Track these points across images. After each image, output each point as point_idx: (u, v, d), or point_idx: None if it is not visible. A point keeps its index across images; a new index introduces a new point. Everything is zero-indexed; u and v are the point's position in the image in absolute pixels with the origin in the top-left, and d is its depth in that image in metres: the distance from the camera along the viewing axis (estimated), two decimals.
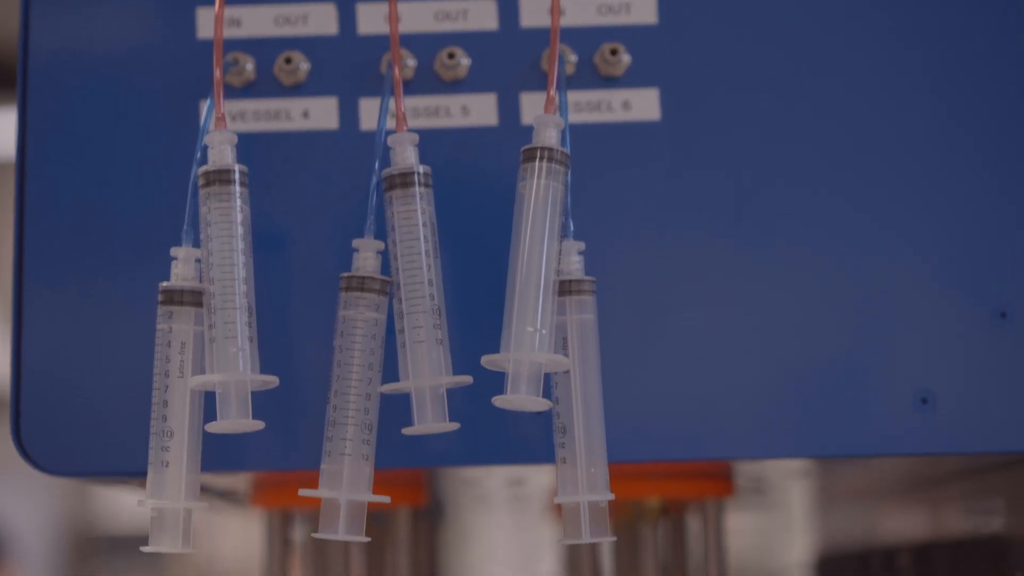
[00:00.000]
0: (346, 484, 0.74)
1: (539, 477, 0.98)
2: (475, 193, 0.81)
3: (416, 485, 0.97)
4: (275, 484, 0.96)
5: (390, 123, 0.78)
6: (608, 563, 1.21)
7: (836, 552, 1.29)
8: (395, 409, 0.77)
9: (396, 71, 0.77)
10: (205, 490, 0.98)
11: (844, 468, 1.10)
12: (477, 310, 0.79)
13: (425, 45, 0.82)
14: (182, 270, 0.77)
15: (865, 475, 1.16)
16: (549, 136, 0.75)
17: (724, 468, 0.96)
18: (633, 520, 0.98)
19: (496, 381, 0.74)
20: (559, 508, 0.77)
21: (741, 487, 1.02)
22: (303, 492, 0.75)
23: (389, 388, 0.75)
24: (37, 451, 0.81)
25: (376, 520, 1.11)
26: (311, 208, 0.81)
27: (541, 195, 0.74)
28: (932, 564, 0.99)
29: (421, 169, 0.75)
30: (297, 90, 0.82)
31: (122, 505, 4.93)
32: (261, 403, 0.76)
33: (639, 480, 0.94)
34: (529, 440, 0.81)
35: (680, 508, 1.17)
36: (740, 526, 1.13)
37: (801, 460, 0.89)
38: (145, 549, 0.76)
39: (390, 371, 0.76)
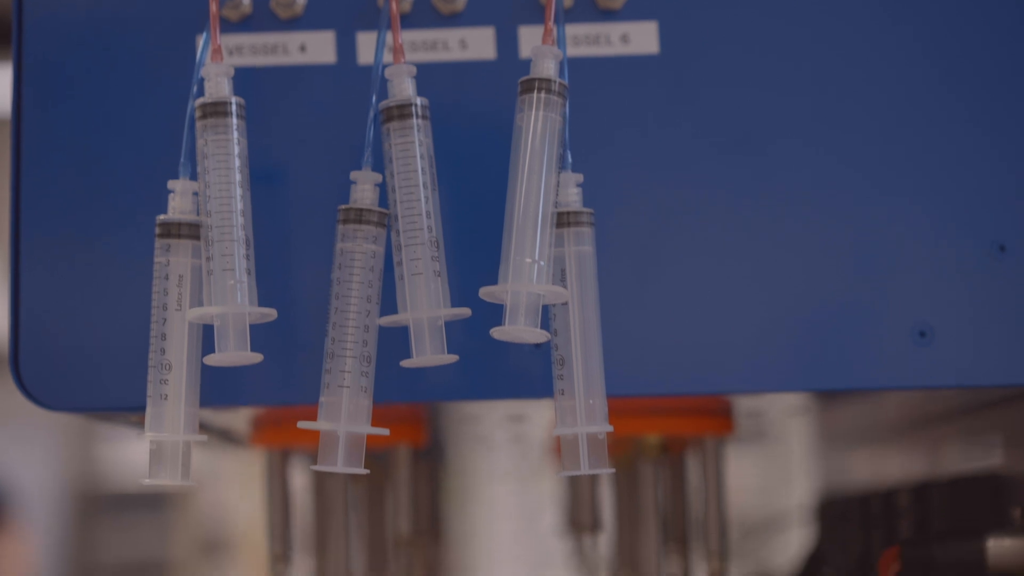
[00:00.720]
0: (345, 416, 0.74)
1: (539, 412, 0.98)
2: (473, 126, 0.80)
3: (416, 423, 0.97)
4: (274, 423, 0.96)
5: (387, 57, 0.78)
6: (608, 506, 1.21)
7: (835, 494, 1.30)
8: (394, 343, 0.77)
9: (393, 4, 0.77)
10: (205, 429, 0.98)
11: (843, 406, 1.10)
12: (475, 243, 0.79)
13: None
14: (179, 203, 0.77)
15: (864, 415, 1.17)
16: (547, 67, 0.75)
17: (723, 405, 0.96)
18: (633, 458, 0.98)
19: (495, 314, 0.74)
20: (558, 441, 0.77)
21: (741, 426, 1.02)
22: (302, 424, 0.75)
23: (387, 320, 0.75)
24: (37, 387, 0.81)
25: (376, 461, 1.11)
26: (308, 142, 0.81)
27: (539, 127, 0.74)
28: (931, 503, 0.99)
29: (419, 101, 0.75)
30: (294, 24, 0.82)
31: (127, 462, 4.95)
32: (259, 337, 0.76)
33: (638, 417, 0.94)
34: (528, 374, 0.81)
35: (680, 448, 1.17)
36: (740, 470, 1.13)
37: (800, 394, 0.89)
38: (144, 481, 0.76)
39: (389, 306, 0.76)
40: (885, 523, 1.08)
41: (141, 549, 4.90)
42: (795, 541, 1.31)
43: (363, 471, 0.75)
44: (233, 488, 4.87)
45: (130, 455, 5.03)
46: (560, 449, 0.77)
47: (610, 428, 0.75)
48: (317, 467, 0.75)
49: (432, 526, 1.29)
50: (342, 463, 0.74)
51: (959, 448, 1.03)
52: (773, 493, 1.69)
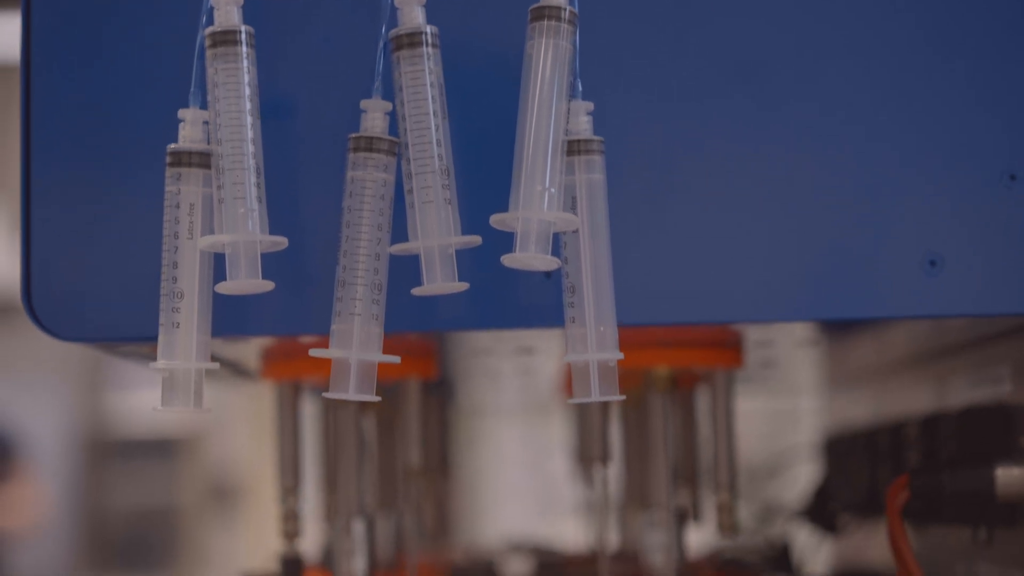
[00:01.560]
0: (356, 343, 0.74)
1: (549, 344, 0.98)
2: (483, 55, 0.80)
3: (426, 356, 0.97)
4: (284, 356, 0.96)
5: None
6: (617, 443, 1.21)
7: (843, 431, 1.30)
8: (404, 273, 0.77)
9: None
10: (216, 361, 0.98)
11: (850, 342, 1.11)
12: (485, 172, 0.79)
13: None
14: (189, 132, 0.76)
15: (872, 349, 1.17)
16: None
17: (733, 337, 0.96)
18: (642, 392, 0.98)
19: (505, 244, 0.74)
20: (569, 371, 0.77)
21: (750, 359, 1.02)
22: (314, 352, 0.75)
23: (398, 248, 0.75)
24: (49, 318, 0.81)
25: (386, 395, 1.12)
26: (319, 71, 0.81)
27: (549, 55, 0.74)
28: (939, 434, 0.99)
29: (429, 29, 0.75)
30: None
31: (135, 409, 4.97)
32: (270, 267, 0.76)
33: (648, 349, 0.94)
34: (538, 304, 0.81)
35: (690, 384, 1.18)
36: (748, 411, 1.13)
37: (809, 326, 0.89)
38: (156, 408, 0.76)
39: (400, 237, 0.76)
40: (893, 456, 1.09)
41: (150, 495, 4.93)
42: (802, 478, 1.32)
43: (375, 398, 0.76)
44: (240, 437, 4.89)
45: (138, 403, 5.05)
46: (571, 378, 0.77)
47: (621, 355, 0.75)
48: (329, 394, 0.75)
49: (441, 461, 1.29)
50: (354, 390, 0.75)
51: (967, 381, 1.03)
52: (780, 433, 1.70)
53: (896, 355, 1.17)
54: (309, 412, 1.13)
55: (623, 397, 0.75)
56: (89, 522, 4.97)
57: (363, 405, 0.97)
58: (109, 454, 5.04)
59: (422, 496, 1.02)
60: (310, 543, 1.10)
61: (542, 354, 1.06)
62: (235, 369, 1.07)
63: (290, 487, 1.00)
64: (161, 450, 4.99)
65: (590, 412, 0.99)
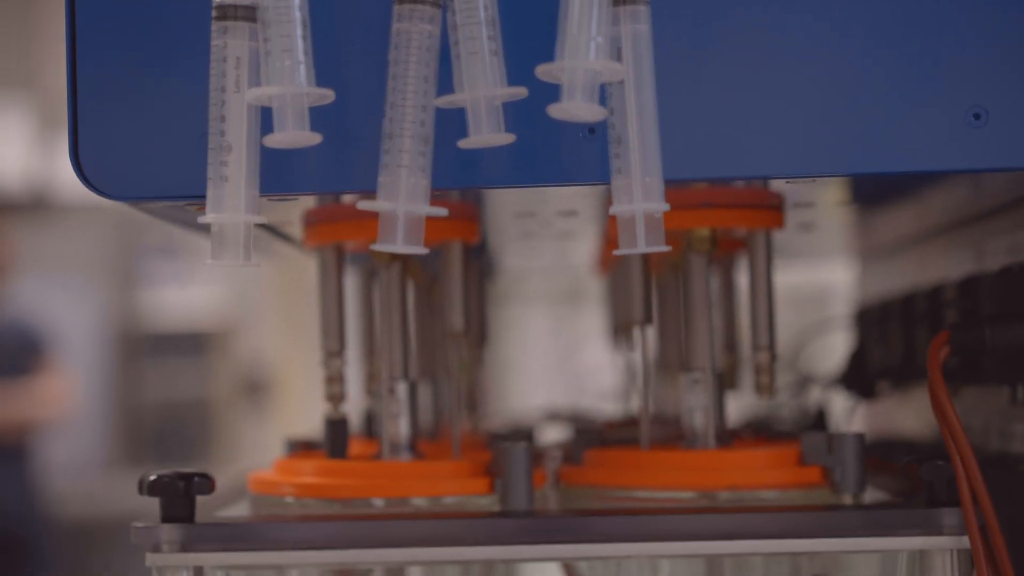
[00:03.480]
0: (404, 195, 0.75)
1: (590, 208, 0.98)
2: None
3: (469, 220, 0.98)
4: (328, 220, 0.97)
5: None
6: (655, 313, 1.22)
7: (879, 299, 1.31)
8: (450, 129, 0.77)
9: None
10: (260, 227, 0.99)
11: (887, 208, 1.11)
12: (531, 23, 0.79)
13: None
14: None
15: (908, 217, 1.17)
16: None
17: (773, 199, 0.96)
18: (683, 255, 0.99)
19: (551, 97, 0.74)
20: (613, 224, 0.78)
21: (789, 224, 1.02)
22: (362, 204, 0.76)
23: (445, 100, 0.75)
24: (96, 176, 0.82)
25: (427, 262, 1.13)
26: None
27: None
28: (978, 295, 1.00)
29: None
30: None
31: (167, 305, 5.00)
32: (316, 123, 0.76)
33: (689, 211, 0.94)
34: (583, 159, 0.81)
35: (729, 251, 1.18)
36: (784, 284, 1.14)
37: (851, 182, 0.89)
38: (207, 262, 0.77)
39: (445, 91, 0.76)
40: (930, 318, 1.09)
41: (182, 389, 4.98)
42: (838, 347, 1.32)
43: (422, 250, 0.76)
44: (271, 333, 4.93)
45: (169, 299, 5.09)
46: (613, 240, 0.78)
47: (667, 206, 0.75)
48: (377, 246, 0.76)
49: (480, 330, 1.30)
50: (401, 241, 0.75)
51: (1005, 244, 1.03)
52: (816, 305, 1.71)
53: (932, 223, 1.17)
54: (350, 284, 1.14)
55: (669, 247, 0.76)
56: (122, 415, 5.03)
57: (405, 271, 0.98)
58: (141, 349, 5.08)
59: (462, 362, 1.03)
60: (352, 412, 1.11)
61: (584, 220, 1.06)
62: (278, 235, 1.08)
63: (334, 351, 1.01)
64: (193, 345, 5.03)
65: (631, 274, 0.99)
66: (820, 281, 1.70)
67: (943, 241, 1.18)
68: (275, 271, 4.77)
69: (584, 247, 1.37)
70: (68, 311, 4.78)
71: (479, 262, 1.28)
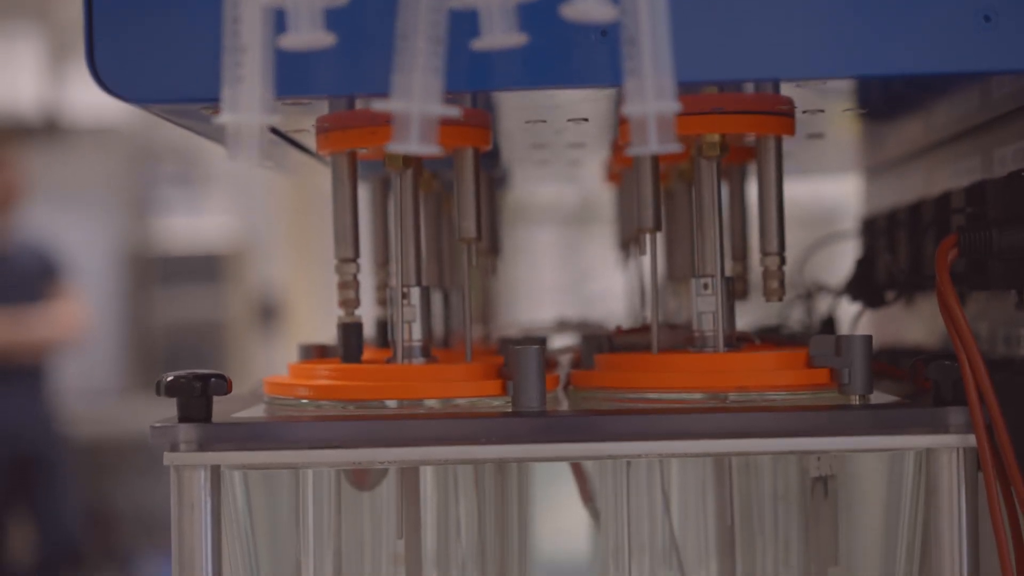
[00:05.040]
0: (418, 95, 0.76)
1: (600, 113, 0.99)
2: None
3: (481, 126, 0.98)
4: (341, 127, 0.97)
5: None
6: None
7: (887, 209, 1.31)
8: (463, 30, 0.78)
9: None
10: (275, 136, 1.00)
11: (895, 120, 1.11)
12: None
13: None
14: None
15: (916, 128, 1.17)
16: None
17: (784, 104, 0.97)
18: (693, 161, 0.99)
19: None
20: (624, 129, 0.78)
21: (799, 132, 1.03)
22: (376, 104, 0.77)
23: (459, 0, 0.76)
24: (112, 79, 0.83)
25: (441, 178, 1.13)
26: None
27: None
28: (986, 200, 1.00)
29: None
30: None
31: (179, 231, 5.02)
32: (331, 25, 0.77)
33: (700, 117, 0.95)
34: (594, 62, 0.82)
35: (739, 160, 1.19)
36: (792, 195, 1.14)
37: (860, 84, 0.90)
38: (228, 159, 0.77)
39: None
40: (938, 225, 1.10)
41: (195, 311, 5.01)
42: (847, 258, 1.33)
43: (436, 150, 0.77)
44: (282, 259, 4.95)
45: (182, 226, 5.11)
46: (626, 136, 0.78)
47: (679, 106, 0.76)
48: (392, 147, 0.77)
49: (492, 240, 1.31)
50: (416, 141, 0.76)
51: (1012, 151, 1.04)
52: (825, 213, 1.72)
53: (940, 134, 1.17)
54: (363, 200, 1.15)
55: (681, 147, 0.77)
56: (135, 338, 5.06)
57: (418, 181, 0.99)
58: (153, 274, 5.11)
59: (475, 268, 1.04)
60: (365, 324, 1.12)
61: (594, 129, 1.07)
62: (293, 144, 1.09)
63: (348, 257, 1.02)
64: (205, 269, 5.06)
65: (641, 181, 1.00)
66: (827, 201, 1.70)
67: (950, 152, 1.18)
68: (286, 198, 4.79)
69: (594, 166, 1.37)
70: (81, 236, 4.80)
71: (490, 173, 1.29)
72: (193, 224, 5.15)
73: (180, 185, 5.19)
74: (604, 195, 1.74)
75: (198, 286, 5.06)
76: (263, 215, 5.11)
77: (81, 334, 4.11)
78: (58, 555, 4.03)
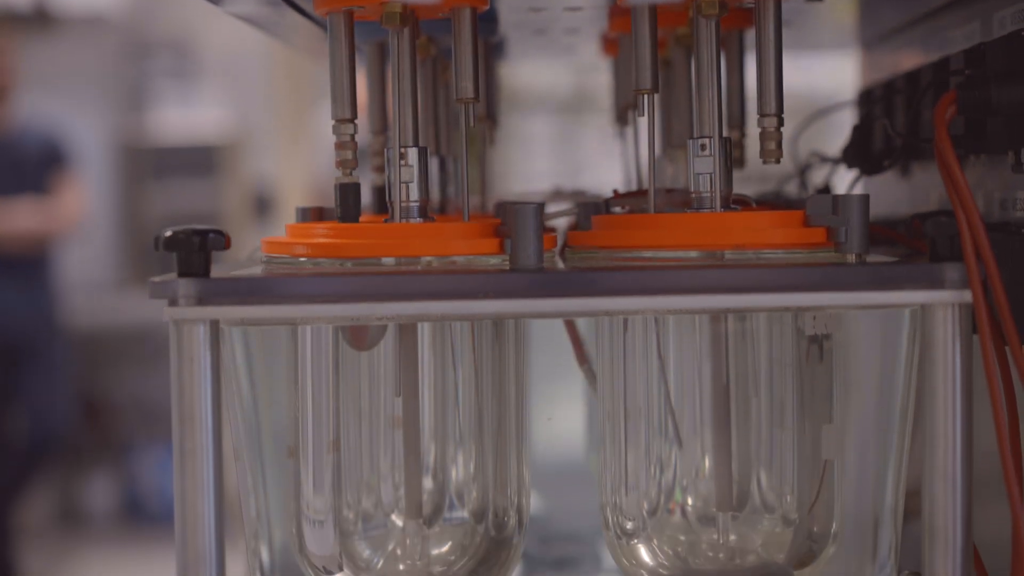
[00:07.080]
0: None
1: None
2: None
3: None
4: None
5: None
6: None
7: (884, 78, 1.31)
8: None
9: None
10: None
11: None
12: None
13: None
14: None
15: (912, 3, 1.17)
16: None
17: None
18: (691, 21, 0.99)
19: None
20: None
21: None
22: None
23: None
24: None
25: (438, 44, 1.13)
26: None
27: None
28: (984, 62, 1.00)
29: None
30: None
31: (176, 124, 5.00)
32: None
33: None
34: None
35: (738, 25, 1.18)
36: (789, 68, 1.14)
37: None
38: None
39: None
40: (936, 87, 1.10)
41: (191, 203, 5.00)
42: (844, 129, 1.33)
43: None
44: (275, 152, 4.94)
45: (177, 119, 5.09)
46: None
47: None
48: None
49: (489, 110, 1.31)
50: None
51: (1013, 12, 1.03)
52: (821, 89, 1.71)
53: (938, 2, 1.16)
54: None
55: None
56: (130, 230, 5.07)
57: (415, 42, 0.99)
58: (148, 166, 5.10)
59: (473, 130, 1.04)
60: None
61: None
62: (290, 5, 1.08)
63: (345, 118, 1.02)
64: (200, 161, 5.05)
65: (639, 43, 0.99)
66: (825, 64, 1.69)
67: (949, 18, 1.17)
68: (280, 90, 4.76)
69: (591, 36, 1.37)
70: (78, 126, 4.78)
71: (487, 40, 1.28)
72: (187, 116, 5.13)
73: (174, 77, 5.16)
74: (601, 76, 1.73)
75: (193, 178, 5.05)
76: (257, 107, 5.09)
77: (80, 226, 4.12)
78: (50, 444, 4.06)
